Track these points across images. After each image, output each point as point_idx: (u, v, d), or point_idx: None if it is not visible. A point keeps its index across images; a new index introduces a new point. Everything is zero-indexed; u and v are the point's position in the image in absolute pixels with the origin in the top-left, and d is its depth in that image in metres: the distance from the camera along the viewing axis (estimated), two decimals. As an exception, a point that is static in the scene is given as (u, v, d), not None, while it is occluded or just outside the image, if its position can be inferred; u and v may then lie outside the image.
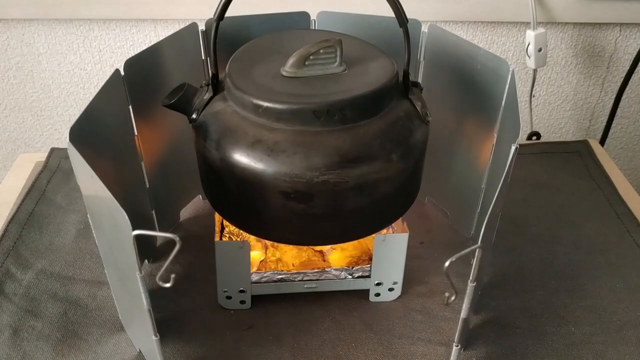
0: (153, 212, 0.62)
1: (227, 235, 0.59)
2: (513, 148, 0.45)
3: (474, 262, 0.43)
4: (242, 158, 0.47)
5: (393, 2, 0.47)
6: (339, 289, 0.58)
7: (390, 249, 0.55)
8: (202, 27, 0.59)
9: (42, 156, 0.77)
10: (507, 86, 0.53)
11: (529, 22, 0.81)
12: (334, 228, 0.51)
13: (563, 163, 0.79)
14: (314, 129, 0.47)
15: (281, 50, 0.51)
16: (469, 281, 0.44)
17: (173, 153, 0.62)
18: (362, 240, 0.60)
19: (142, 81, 0.55)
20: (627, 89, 0.89)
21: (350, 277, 0.57)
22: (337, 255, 0.60)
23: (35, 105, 0.90)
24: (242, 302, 0.57)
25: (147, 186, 0.60)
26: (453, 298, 0.43)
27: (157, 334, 0.45)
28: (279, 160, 0.46)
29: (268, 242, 0.60)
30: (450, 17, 0.82)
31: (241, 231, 0.58)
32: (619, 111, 0.92)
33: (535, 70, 0.85)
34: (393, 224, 0.58)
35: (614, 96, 0.91)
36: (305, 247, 0.60)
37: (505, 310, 0.58)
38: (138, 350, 0.53)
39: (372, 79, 0.49)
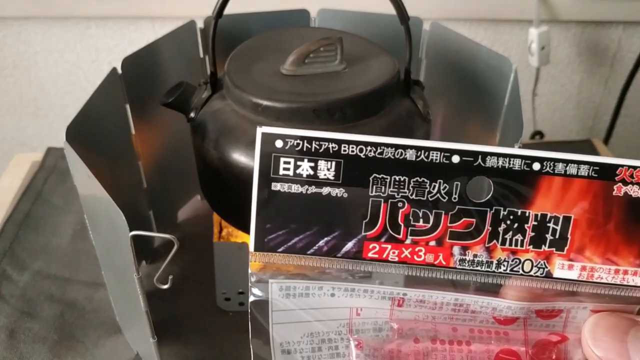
0: (150, 212, 0.61)
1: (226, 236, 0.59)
2: (516, 147, 0.44)
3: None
4: (241, 157, 0.47)
5: (395, -2, 0.47)
6: (339, 290, 0.57)
7: (391, 249, 0.54)
8: (200, 24, 0.59)
9: (39, 156, 0.77)
10: (510, 84, 0.53)
11: (532, 20, 0.80)
12: (334, 229, 0.50)
13: (566, 162, 0.78)
14: (314, 128, 0.46)
15: (281, 48, 0.51)
16: (471, 282, 0.43)
17: (171, 153, 0.62)
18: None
19: (139, 80, 0.54)
20: (630, 87, 0.89)
21: (351, 278, 0.56)
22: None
23: (31, 104, 0.89)
24: (241, 304, 0.56)
25: (145, 186, 0.59)
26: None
27: (155, 336, 0.44)
28: (279, 160, 0.46)
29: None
30: (453, 15, 0.82)
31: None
32: (622, 110, 0.92)
33: (538, 69, 0.84)
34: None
35: (617, 95, 0.90)
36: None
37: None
38: (136, 353, 0.52)
39: (373, 77, 0.49)
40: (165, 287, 0.42)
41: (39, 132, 0.93)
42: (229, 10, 0.49)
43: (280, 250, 0.28)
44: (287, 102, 0.46)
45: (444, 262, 0.28)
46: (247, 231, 0.53)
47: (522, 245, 0.28)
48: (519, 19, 0.83)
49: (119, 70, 0.51)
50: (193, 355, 0.52)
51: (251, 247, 0.28)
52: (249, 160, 0.46)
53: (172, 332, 0.54)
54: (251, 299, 0.29)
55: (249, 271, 0.29)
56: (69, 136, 0.41)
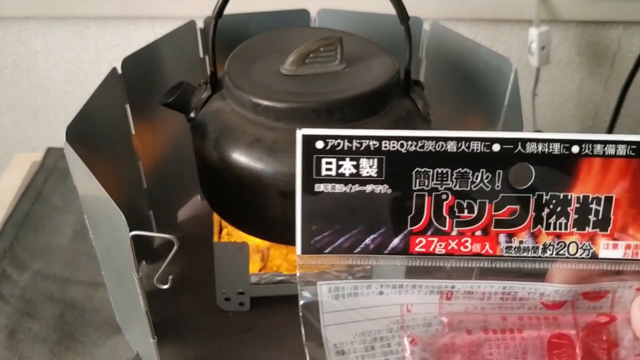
0: (151, 212, 0.61)
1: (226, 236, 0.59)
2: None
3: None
4: (241, 157, 0.47)
5: (395, -2, 0.47)
6: (339, 290, 0.57)
7: (391, 249, 0.54)
8: (200, 24, 0.59)
9: (39, 156, 0.76)
10: (510, 84, 0.53)
11: (532, 20, 0.80)
12: (334, 229, 0.50)
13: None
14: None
15: (281, 48, 0.51)
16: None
17: (171, 153, 0.62)
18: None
19: (139, 80, 0.54)
20: (630, 87, 0.89)
21: (351, 277, 0.56)
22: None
23: (31, 104, 0.89)
24: (241, 304, 0.56)
25: (145, 186, 0.59)
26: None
27: (155, 336, 0.44)
28: (279, 160, 0.46)
29: (267, 243, 0.59)
30: (453, 15, 0.82)
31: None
32: (622, 110, 0.92)
33: (538, 69, 0.84)
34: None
35: (617, 95, 0.90)
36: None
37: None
38: (136, 353, 0.52)
39: (373, 77, 0.49)
40: (165, 287, 0.42)
41: (39, 132, 0.93)
42: (229, 10, 0.49)
43: (327, 251, 0.29)
44: (287, 102, 0.46)
45: (490, 251, 0.28)
46: (247, 231, 0.53)
47: (566, 229, 0.28)
48: (519, 19, 0.83)
49: (119, 70, 0.51)
50: (193, 355, 0.52)
51: (298, 250, 0.28)
52: (249, 160, 0.46)
53: (172, 332, 0.54)
54: (301, 302, 0.29)
55: (297, 274, 0.29)
56: (69, 136, 0.41)
